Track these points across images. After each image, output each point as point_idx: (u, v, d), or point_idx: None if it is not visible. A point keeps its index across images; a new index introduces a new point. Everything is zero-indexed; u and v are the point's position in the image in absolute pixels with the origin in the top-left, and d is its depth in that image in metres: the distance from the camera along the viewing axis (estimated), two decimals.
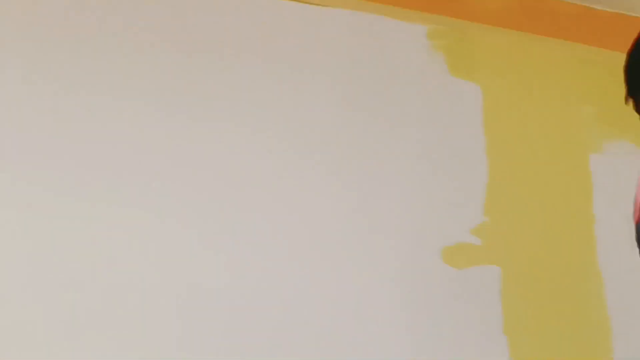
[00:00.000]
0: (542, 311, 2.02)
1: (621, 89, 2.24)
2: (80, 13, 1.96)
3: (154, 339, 1.73)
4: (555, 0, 2.27)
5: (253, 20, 2.06)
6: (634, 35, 1.80)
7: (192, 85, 1.96)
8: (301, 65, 2.05)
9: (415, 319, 1.94)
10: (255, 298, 1.83)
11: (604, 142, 2.15)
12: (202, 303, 1.79)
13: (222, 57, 2.01)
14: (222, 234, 1.87)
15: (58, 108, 1.86)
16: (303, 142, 2.00)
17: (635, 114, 1.82)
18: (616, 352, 2.05)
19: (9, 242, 1.73)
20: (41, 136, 1.82)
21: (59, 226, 1.77)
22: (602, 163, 2.13)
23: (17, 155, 1.80)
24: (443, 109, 2.11)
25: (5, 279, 1.70)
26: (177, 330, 1.75)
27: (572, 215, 2.11)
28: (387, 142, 2.06)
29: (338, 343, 1.86)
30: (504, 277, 2.02)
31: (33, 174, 1.79)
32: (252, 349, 1.79)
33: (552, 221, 2.09)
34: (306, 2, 2.09)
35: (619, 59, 2.23)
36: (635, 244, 1.53)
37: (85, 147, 1.85)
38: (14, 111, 1.82)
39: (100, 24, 1.96)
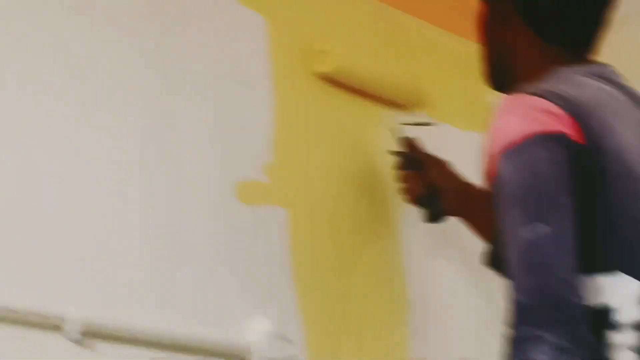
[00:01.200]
0: (330, 257, 1.98)
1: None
2: None
3: None
4: None
5: None
6: None
7: None
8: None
9: (206, 251, 1.80)
10: None
11: None
12: None
13: None
14: None
15: None
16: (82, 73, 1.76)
17: None
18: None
19: None
20: None
21: None
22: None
23: None
24: (229, 39, 1.99)
25: None
26: None
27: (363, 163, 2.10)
28: (176, 75, 1.87)
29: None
30: (292, 219, 1.94)
31: None
32: None
33: (340, 168, 2.06)
34: None
35: None
36: None
37: None
38: None
39: None
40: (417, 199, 1.99)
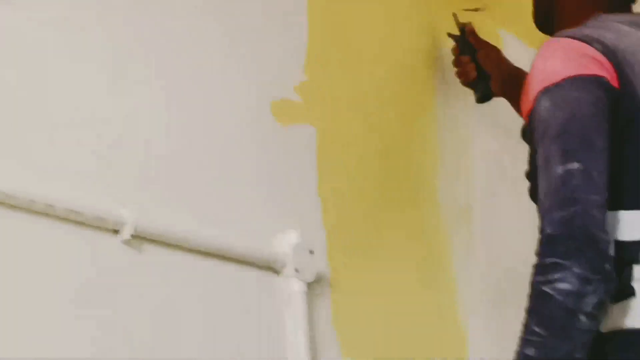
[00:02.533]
0: (356, 178, 2.09)
1: None
2: None
3: None
4: None
5: None
6: None
7: None
8: None
9: (233, 168, 1.89)
10: None
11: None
12: None
13: None
14: None
15: None
16: None
17: None
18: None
19: None
20: None
21: None
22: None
23: None
24: None
25: None
26: None
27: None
28: None
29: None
30: (319, 138, 2.04)
31: None
32: None
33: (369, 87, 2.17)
34: None
35: None
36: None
37: None
38: None
39: None
40: (469, 82, 2.22)
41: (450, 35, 2.24)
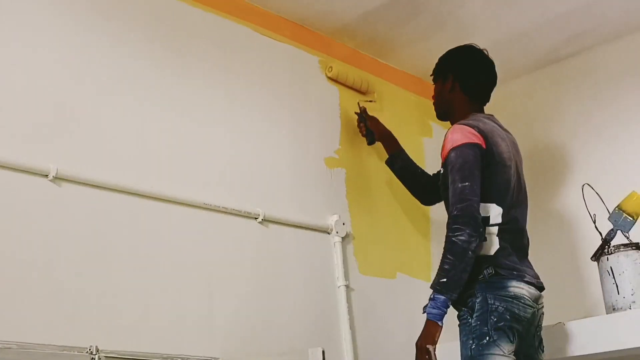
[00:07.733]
0: (365, 193, 4.51)
1: None
2: None
3: None
4: None
5: None
6: None
7: None
8: None
9: (311, 187, 4.31)
10: None
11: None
12: None
13: None
14: None
15: None
16: None
17: None
18: None
19: None
20: None
21: None
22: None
23: None
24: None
25: None
26: None
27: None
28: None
29: None
30: (347, 175, 4.45)
31: None
32: None
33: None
34: None
35: None
36: None
37: None
38: None
39: None
40: (363, 134, 4.46)
41: (355, 112, 4.49)
